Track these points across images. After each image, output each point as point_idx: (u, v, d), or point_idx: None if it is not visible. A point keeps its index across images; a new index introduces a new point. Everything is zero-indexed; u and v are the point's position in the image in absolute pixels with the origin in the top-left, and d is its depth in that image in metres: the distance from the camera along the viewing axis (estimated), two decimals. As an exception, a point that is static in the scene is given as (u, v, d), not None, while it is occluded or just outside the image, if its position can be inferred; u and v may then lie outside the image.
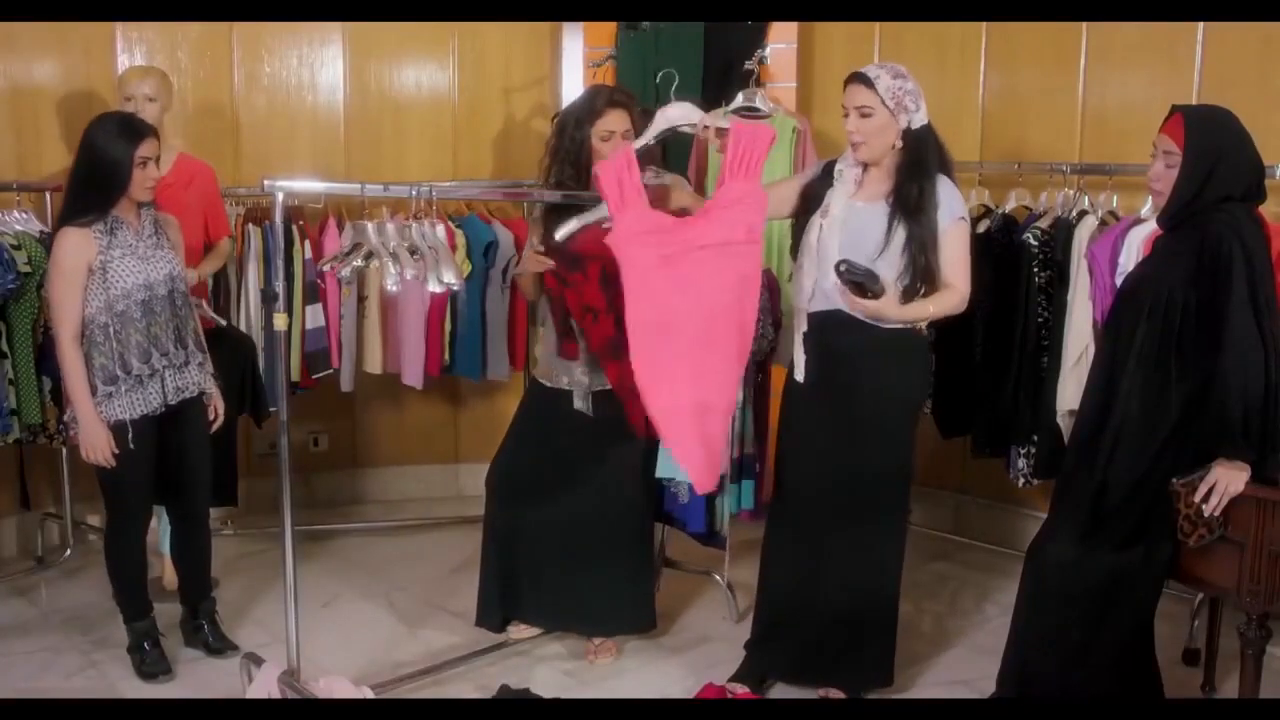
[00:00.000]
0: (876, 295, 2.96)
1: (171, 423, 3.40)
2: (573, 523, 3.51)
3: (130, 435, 3.28)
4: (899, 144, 3.07)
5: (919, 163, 3.07)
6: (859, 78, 3.06)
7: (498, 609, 3.61)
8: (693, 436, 3.04)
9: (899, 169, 3.08)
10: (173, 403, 3.36)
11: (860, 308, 2.99)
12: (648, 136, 3.29)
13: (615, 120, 3.38)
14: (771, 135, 3.06)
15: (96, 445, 3.25)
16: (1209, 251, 2.72)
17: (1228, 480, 2.68)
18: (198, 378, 3.43)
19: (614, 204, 3.03)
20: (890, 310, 3.00)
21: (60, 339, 3.24)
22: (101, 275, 3.23)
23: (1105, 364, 2.94)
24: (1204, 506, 2.70)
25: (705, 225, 3.02)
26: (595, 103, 3.41)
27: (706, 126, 3.23)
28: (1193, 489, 2.72)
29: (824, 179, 3.19)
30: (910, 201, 3.04)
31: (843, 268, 2.95)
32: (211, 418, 3.52)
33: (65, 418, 3.37)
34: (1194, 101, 4.00)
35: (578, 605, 3.57)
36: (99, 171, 3.24)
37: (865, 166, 3.13)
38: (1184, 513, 2.75)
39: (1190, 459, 2.77)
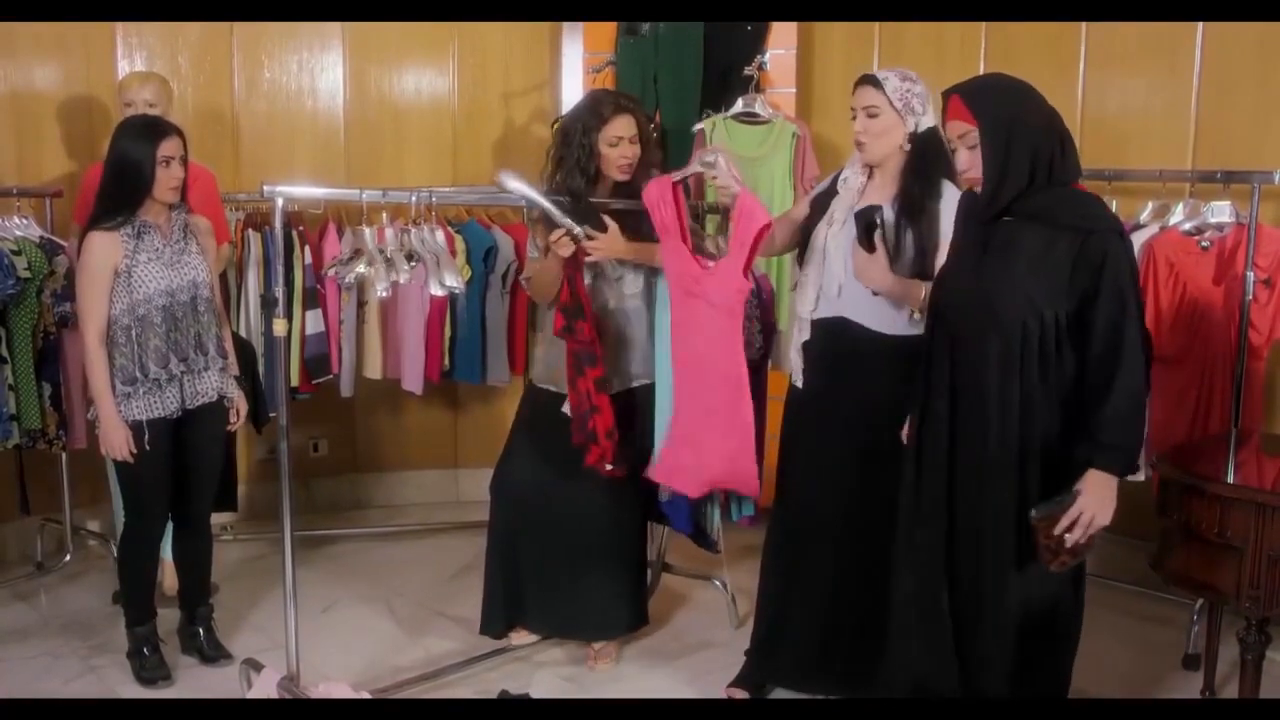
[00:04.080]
0: (873, 248, 2.93)
1: (187, 427, 3.42)
2: (572, 526, 3.51)
3: (146, 437, 3.31)
4: (905, 146, 3.06)
5: (923, 163, 3.05)
6: (867, 79, 3.06)
7: (502, 615, 3.60)
8: (685, 446, 3.25)
9: (904, 172, 3.08)
10: (190, 407, 3.39)
11: (856, 261, 2.96)
12: (687, 171, 3.29)
13: (622, 126, 3.37)
14: (768, 225, 3.05)
15: (115, 442, 3.29)
16: (1089, 266, 2.47)
17: (1094, 512, 2.48)
18: (217, 383, 3.45)
19: (660, 228, 3.19)
20: (877, 271, 2.94)
21: (86, 338, 3.29)
22: (126, 279, 3.27)
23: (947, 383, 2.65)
24: (1066, 537, 2.50)
25: (711, 281, 3.14)
26: (602, 110, 3.38)
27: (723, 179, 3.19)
28: (1053, 523, 2.49)
29: (830, 190, 3.19)
30: (915, 203, 3.03)
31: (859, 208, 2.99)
32: (233, 419, 3.54)
33: (89, 415, 3.45)
34: (1194, 103, 4.00)
35: (580, 610, 3.57)
36: (125, 173, 3.28)
37: (870, 173, 3.13)
38: (1045, 544, 2.54)
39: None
